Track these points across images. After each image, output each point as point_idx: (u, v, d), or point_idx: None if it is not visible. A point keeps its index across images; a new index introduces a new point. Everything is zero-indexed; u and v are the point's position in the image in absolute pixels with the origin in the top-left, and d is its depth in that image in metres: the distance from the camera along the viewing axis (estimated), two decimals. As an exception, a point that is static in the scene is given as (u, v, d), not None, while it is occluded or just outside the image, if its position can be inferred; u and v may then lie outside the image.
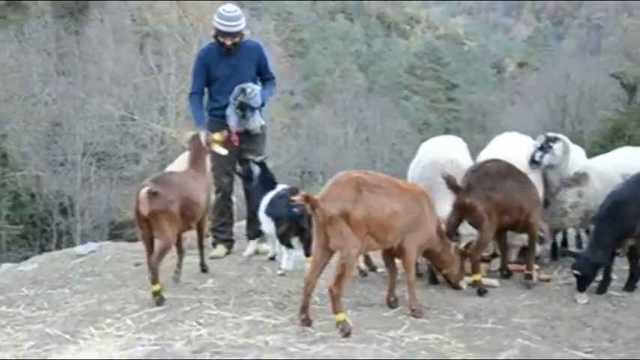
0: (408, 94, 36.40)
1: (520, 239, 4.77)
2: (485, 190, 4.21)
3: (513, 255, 4.86)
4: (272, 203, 4.64)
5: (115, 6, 30.00)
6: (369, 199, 3.53)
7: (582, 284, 4.19)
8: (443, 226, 4.20)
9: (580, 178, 4.85)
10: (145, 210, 3.93)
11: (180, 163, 5.14)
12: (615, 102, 27.80)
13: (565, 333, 3.61)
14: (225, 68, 5.14)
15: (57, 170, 20.30)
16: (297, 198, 3.49)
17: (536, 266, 4.62)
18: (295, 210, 4.40)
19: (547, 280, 4.60)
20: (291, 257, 4.60)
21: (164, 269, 4.68)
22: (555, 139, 4.93)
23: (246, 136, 5.17)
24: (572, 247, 5.57)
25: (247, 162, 4.90)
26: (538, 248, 4.72)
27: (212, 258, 5.07)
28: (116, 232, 18.25)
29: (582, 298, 4.16)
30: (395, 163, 26.12)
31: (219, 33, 5.06)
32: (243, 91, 4.95)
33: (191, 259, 4.79)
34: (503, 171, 4.36)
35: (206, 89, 5.34)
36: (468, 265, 4.35)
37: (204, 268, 4.69)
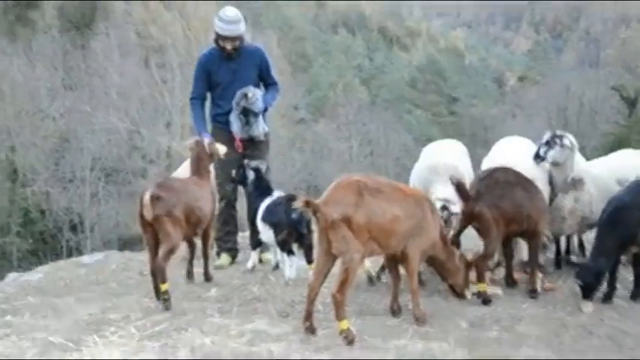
0: (410, 107, 36.55)
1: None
2: (494, 198, 4.18)
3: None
4: (269, 210, 4.59)
5: (121, 20, 30.36)
6: (370, 204, 3.50)
7: (587, 293, 4.16)
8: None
9: (576, 184, 4.83)
10: (148, 214, 3.96)
11: (184, 170, 5.14)
12: (616, 115, 27.90)
13: (570, 342, 3.59)
14: (227, 73, 5.11)
15: (66, 186, 20.51)
16: (297, 203, 3.45)
17: (540, 275, 4.59)
18: (294, 216, 4.37)
19: (552, 290, 4.57)
20: (294, 264, 4.57)
21: (175, 281, 4.71)
22: (562, 137, 4.89)
23: (250, 142, 5.14)
24: (574, 254, 5.55)
25: (242, 167, 4.86)
26: (540, 256, 4.70)
27: (216, 268, 5.05)
28: (125, 248, 18.30)
29: (588, 306, 4.13)
30: (400, 176, 26.11)
31: (219, 37, 5.03)
32: (245, 95, 4.91)
33: (195, 269, 4.78)
34: (513, 180, 4.34)
35: (208, 95, 5.31)
36: (472, 274, 4.32)
37: (207, 277, 4.69)
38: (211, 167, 4.94)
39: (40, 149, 20.95)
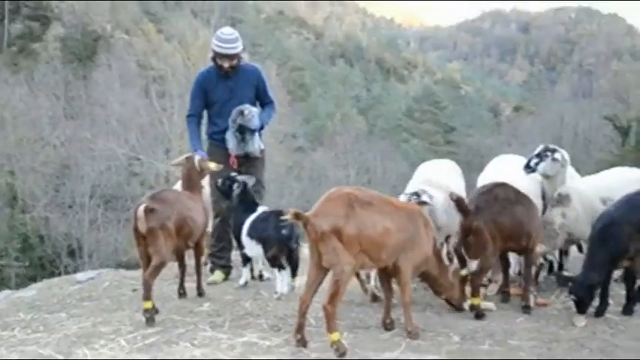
0: (407, 136, 36.86)
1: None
2: (493, 214, 4.18)
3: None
4: (255, 226, 4.59)
5: (122, 51, 30.83)
6: (361, 216, 3.48)
7: (581, 308, 4.17)
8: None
9: (562, 199, 4.84)
10: (142, 227, 3.97)
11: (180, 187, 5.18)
12: (609, 144, 28.22)
13: (562, 355, 3.57)
14: (224, 91, 5.15)
15: (65, 212, 20.57)
16: (287, 217, 3.43)
17: (533, 290, 4.59)
18: (284, 231, 4.38)
19: (545, 305, 4.56)
20: (285, 279, 4.55)
21: (167, 296, 4.69)
22: (554, 150, 4.95)
23: (246, 159, 5.16)
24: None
25: (229, 178, 4.84)
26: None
27: (209, 284, 5.04)
28: (123, 273, 18.27)
29: (580, 320, 4.13)
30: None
31: (217, 55, 5.07)
32: (241, 113, 4.94)
33: (187, 285, 4.78)
34: (512, 197, 4.35)
35: (205, 113, 5.34)
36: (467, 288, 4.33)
37: (200, 292, 4.68)
38: (205, 183, 4.97)
39: (40, 176, 21.07)
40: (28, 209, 20.10)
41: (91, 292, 5.10)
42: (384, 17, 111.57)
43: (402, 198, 4.70)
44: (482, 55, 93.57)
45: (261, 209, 4.75)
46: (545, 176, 4.97)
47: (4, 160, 20.90)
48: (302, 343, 3.58)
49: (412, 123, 40.01)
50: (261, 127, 5.16)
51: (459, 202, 4.13)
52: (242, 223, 4.68)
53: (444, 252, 4.90)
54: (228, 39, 5.04)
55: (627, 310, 4.32)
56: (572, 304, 4.39)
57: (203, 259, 5.28)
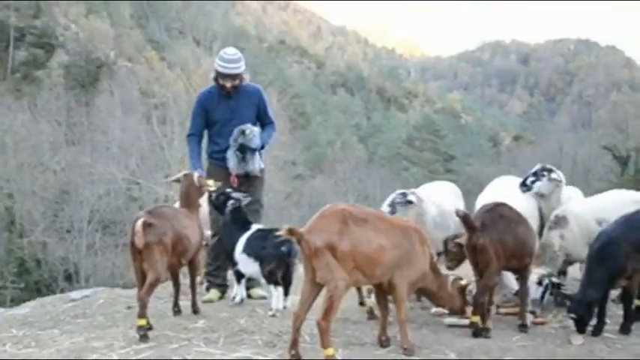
0: (407, 164, 37.05)
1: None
2: (499, 232, 4.21)
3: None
4: (251, 243, 4.58)
5: (125, 79, 31.21)
6: (355, 232, 3.47)
7: (580, 326, 4.18)
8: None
9: (560, 221, 4.87)
10: (140, 242, 3.97)
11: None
12: (608, 173, 28.34)
13: (559, 372, 3.59)
14: (225, 111, 5.15)
15: (63, 237, 20.59)
16: (281, 232, 3.41)
17: (533, 310, 4.61)
18: (283, 248, 4.40)
19: (542, 324, 4.54)
20: (281, 295, 4.56)
21: (162, 313, 4.69)
22: (551, 170, 5.07)
23: (246, 178, 5.15)
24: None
25: (224, 194, 4.82)
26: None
27: (205, 302, 5.03)
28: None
29: (577, 339, 4.12)
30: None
31: (219, 75, 5.08)
32: (243, 132, 4.95)
33: (182, 303, 4.76)
34: (514, 216, 4.40)
35: (205, 133, 5.33)
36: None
37: (195, 309, 4.67)
38: (203, 202, 4.98)
39: (39, 200, 21.14)
40: (26, 233, 20.16)
41: (85, 310, 5.05)
42: (385, 47, 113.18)
43: (389, 199, 4.82)
44: (483, 85, 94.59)
45: (255, 227, 4.77)
46: (541, 195, 5.05)
47: (4, 183, 21.02)
48: (296, 358, 3.56)
49: (412, 151, 40.27)
50: (262, 147, 5.20)
51: (465, 219, 4.15)
52: (236, 241, 4.69)
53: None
54: (231, 59, 5.06)
55: (625, 329, 4.31)
56: (569, 322, 4.40)
57: (199, 278, 5.30)
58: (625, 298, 4.38)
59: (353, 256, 3.47)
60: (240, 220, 4.78)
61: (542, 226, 5.21)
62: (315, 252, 3.42)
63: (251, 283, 5.18)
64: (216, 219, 5.13)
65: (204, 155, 5.51)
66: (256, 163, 5.12)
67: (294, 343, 3.58)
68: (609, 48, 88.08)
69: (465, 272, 4.64)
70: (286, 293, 4.58)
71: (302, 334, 3.83)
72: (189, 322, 4.44)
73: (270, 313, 4.57)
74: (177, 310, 4.66)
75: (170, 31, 53.19)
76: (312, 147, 37.70)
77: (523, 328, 4.36)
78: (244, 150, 5.01)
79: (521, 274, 4.48)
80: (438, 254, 5.11)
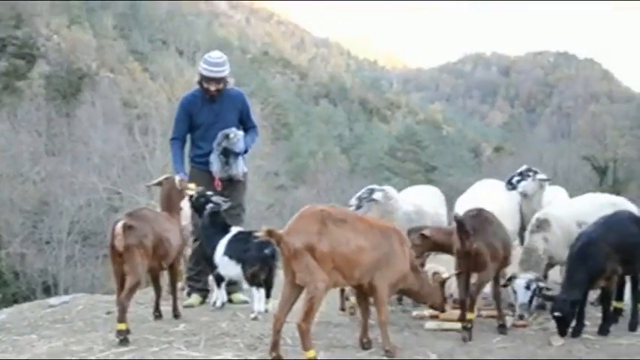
0: (389, 175, 37.18)
1: None
2: (488, 235, 4.31)
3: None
4: (232, 246, 4.60)
5: (107, 89, 30.99)
6: (334, 233, 3.47)
7: (563, 326, 4.23)
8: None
9: (542, 224, 4.92)
10: (120, 244, 3.94)
11: None
12: (587, 183, 28.80)
13: (539, 372, 3.64)
14: (209, 115, 5.17)
15: (42, 249, 20.25)
16: (260, 234, 3.44)
17: (509, 313, 4.67)
18: (267, 250, 4.43)
19: (522, 326, 4.61)
20: (263, 298, 4.56)
21: (143, 318, 4.67)
22: (535, 172, 5.22)
23: (229, 182, 5.17)
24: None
25: (204, 196, 4.83)
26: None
27: (186, 307, 5.02)
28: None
29: (557, 340, 4.19)
30: (379, 242, 26.38)
31: (203, 78, 5.10)
32: (227, 136, 4.97)
33: (162, 308, 4.76)
34: (497, 220, 4.50)
35: (189, 137, 5.34)
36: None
37: (176, 314, 4.67)
38: (185, 205, 4.97)
39: (17, 211, 20.78)
40: (4, 245, 19.77)
41: (64, 315, 5.00)
42: (367, 59, 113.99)
43: (358, 193, 5.01)
44: (464, 96, 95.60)
45: (235, 229, 4.78)
46: (524, 195, 5.18)
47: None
48: (277, 360, 3.56)
49: (394, 162, 40.49)
50: (245, 151, 5.22)
51: (461, 223, 4.21)
52: (215, 244, 4.69)
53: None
54: (215, 62, 5.08)
55: (603, 331, 4.38)
56: (549, 325, 4.50)
57: (181, 284, 5.29)
58: (603, 300, 4.46)
59: (332, 257, 3.48)
60: (218, 224, 4.79)
61: (522, 228, 5.32)
62: (295, 253, 3.43)
63: (232, 287, 5.18)
64: (198, 224, 5.12)
65: (186, 159, 5.50)
66: (239, 167, 5.14)
67: (275, 345, 3.59)
68: (588, 61, 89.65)
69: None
70: (268, 296, 4.60)
71: (284, 337, 3.86)
72: (170, 326, 4.44)
73: (252, 315, 4.57)
74: (158, 314, 4.65)
75: (153, 42, 53.04)
76: (294, 157, 37.73)
77: (502, 329, 4.42)
78: (228, 154, 5.03)
79: (497, 276, 4.54)
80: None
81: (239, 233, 4.73)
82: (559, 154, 35.30)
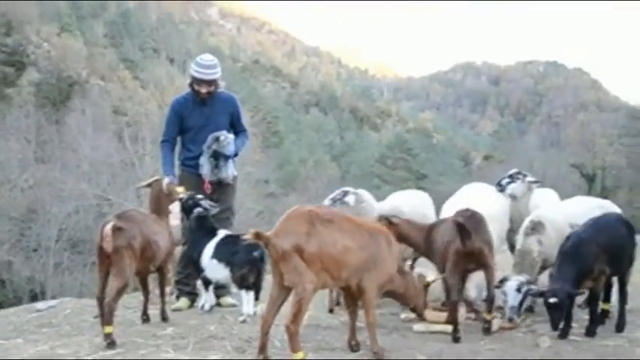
0: (379, 183, 37.31)
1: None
2: (487, 234, 4.38)
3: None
4: (220, 249, 4.58)
5: (97, 97, 30.90)
6: (322, 233, 3.44)
7: (557, 315, 4.21)
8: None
9: (537, 227, 4.90)
10: (108, 246, 3.90)
11: None
12: (576, 191, 29.04)
13: (528, 373, 3.65)
14: (199, 118, 5.14)
15: (30, 256, 20.08)
16: (247, 236, 3.40)
17: (498, 315, 4.68)
18: (255, 253, 4.42)
19: (510, 329, 4.62)
20: (251, 300, 4.53)
21: (130, 321, 4.65)
22: (525, 175, 5.33)
23: (218, 185, 5.13)
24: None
25: (194, 199, 4.81)
26: None
27: (174, 310, 4.99)
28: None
29: (545, 341, 4.20)
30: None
31: (194, 80, 5.08)
32: (217, 139, 4.94)
33: (150, 312, 4.72)
34: (485, 219, 4.54)
35: (179, 139, 5.31)
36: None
37: (164, 317, 4.63)
38: (174, 208, 4.94)
39: (5, 219, 20.59)
40: (-10, 253, 19.59)
41: (51, 319, 4.93)
42: (358, 68, 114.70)
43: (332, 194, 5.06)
44: (454, 105, 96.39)
45: (223, 232, 4.76)
46: (513, 197, 5.24)
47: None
48: (265, 362, 3.53)
49: (385, 170, 40.63)
50: (235, 154, 5.17)
51: (461, 225, 4.24)
52: (202, 248, 4.67)
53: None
54: (207, 64, 5.07)
55: (590, 332, 4.40)
56: (537, 327, 4.53)
57: (169, 288, 5.27)
58: (591, 301, 4.49)
59: (320, 258, 3.45)
60: (205, 227, 4.78)
61: (511, 230, 5.37)
62: (283, 255, 3.40)
63: (221, 291, 5.16)
64: (187, 226, 5.09)
65: (176, 162, 5.46)
66: (229, 170, 5.13)
67: (263, 348, 3.57)
68: (577, 70, 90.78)
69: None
70: (256, 299, 4.58)
71: (272, 340, 3.83)
72: (157, 329, 4.40)
73: (241, 318, 4.56)
74: (145, 318, 4.62)
75: (144, 50, 53.07)
76: (285, 165, 37.75)
77: (487, 331, 4.43)
78: (218, 157, 5.02)
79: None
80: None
81: (227, 236, 4.71)
82: (548, 162, 35.56)
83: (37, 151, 25.13)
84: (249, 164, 24.31)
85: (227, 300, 5.19)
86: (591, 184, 29.20)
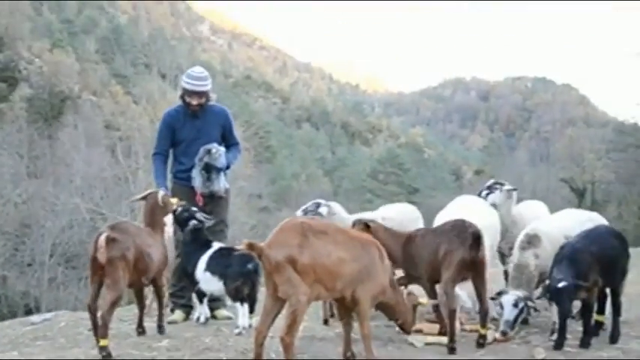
0: (371, 197, 37.45)
1: None
2: (484, 245, 4.41)
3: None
4: (214, 261, 4.60)
5: (89, 112, 30.92)
6: (315, 245, 3.46)
7: (566, 302, 4.21)
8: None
9: (532, 240, 4.90)
10: (102, 257, 3.88)
11: None
12: (566, 205, 29.25)
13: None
14: (191, 130, 5.13)
15: (24, 271, 19.95)
16: (241, 247, 3.42)
17: (492, 327, 4.71)
18: (249, 265, 4.47)
19: (505, 340, 4.63)
20: (247, 313, 4.52)
21: (126, 334, 4.67)
22: (503, 184, 5.53)
23: (210, 198, 5.12)
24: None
25: (188, 211, 4.81)
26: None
27: (169, 323, 4.90)
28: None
29: (540, 353, 4.25)
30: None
31: (185, 92, 5.08)
32: (209, 152, 4.94)
33: (146, 324, 4.70)
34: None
35: (171, 152, 5.29)
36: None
37: (161, 330, 4.57)
38: (168, 220, 4.92)
39: (-1, 235, 20.50)
40: (-16, 269, 19.47)
41: (46, 332, 4.90)
42: (349, 83, 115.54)
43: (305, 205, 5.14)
44: (444, 120, 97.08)
45: (217, 245, 4.77)
46: (494, 206, 5.40)
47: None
48: (260, 374, 3.54)
49: (376, 184, 40.78)
50: (227, 167, 5.16)
51: (477, 235, 4.28)
52: (196, 260, 4.68)
53: None
54: (198, 76, 5.09)
55: (584, 344, 4.43)
56: (532, 338, 4.60)
57: (164, 300, 5.26)
58: (585, 313, 4.50)
59: (314, 269, 3.46)
60: (200, 240, 4.78)
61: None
62: (277, 266, 3.42)
63: (216, 304, 5.14)
64: (180, 238, 5.07)
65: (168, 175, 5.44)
66: (221, 183, 5.12)
67: (258, 359, 3.56)
68: (565, 86, 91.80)
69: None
70: (251, 311, 4.59)
71: (267, 352, 3.82)
72: (153, 342, 4.37)
73: (237, 331, 4.53)
74: (141, 330, 4.59)
75: (136, 65, 53.25)
76: (277, 180, 37.83)
77: (480, 345, 4.44)
78: (210, 169, 5.00)
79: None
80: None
81: (221, 249, 4.72)
82: (538, 176, 35.96)
83: (30, 166, 25.05)
84: (241, 179, 24.38)
85: (222, 312, 5.16)
86: (581, 198, 29.46)
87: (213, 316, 5.09)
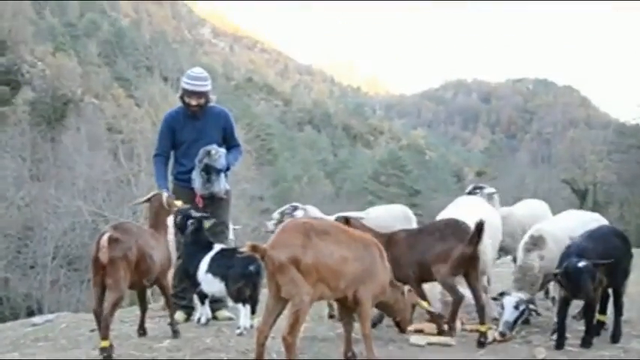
0: (373, 199, 37.39)
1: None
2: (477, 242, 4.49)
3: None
4: (216, 263, 4.61)
5: (92, 115, 31.02)
6: (318, 245, 3.49)
7: (586, 281, 4.19)
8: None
9: (537, 242, 4.87)
10: (104, 257, 3.88)
11: None
12: (568, 206, 29.22)
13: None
14: (191, 132, 5.14)
15: (26, 273, 19.98)
16: (244, 249, 3.43)
17: (493, 327, 4.74)
18: (251, 267, 4.43)
19: (505, 341, 4.63)
20: (248, 314, 4.55)
21: (127, 335, 4.71)
22: (482, 187, 5.84)
23: (211, 200, 5.11)
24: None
25: (186, 215, 4.79)
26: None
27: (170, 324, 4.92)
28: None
29: (541, 352, 4.27)
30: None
31: (185, 93, 5.08)
32: (209, 153, 4.93)
33: (147, 325, 4.73)
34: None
35: (172, 153, 5.30)
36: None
37: (176, 335, 4.51)
38: (170, 222, 4.93)
39: (1, 236, 20.55)
40: (-14, 271, 19.54)
41: (47, 334, 4.90)
42: (350, 86, 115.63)
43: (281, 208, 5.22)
44: (446, 122, 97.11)
45: (218, 246, 4.79)
46: None
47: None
48: (262, 374, 3.56)
49: (378, 186, 40.77)
50: (228, 168, 5.15)
51: (481, 228, 4.36)
52: (198, 262, 4.70)
53: None
54: (197, 77, 5.09)
55: (586, 343, 4.44)
56: (532, 338, 4.62)
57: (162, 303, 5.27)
58: (587, 312, 4.51)
59: (317, 269, 3.49)
60: (201, 241, 4.78)
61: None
62: (280, 267, 3.45)
63: (217, 305, 5.15)
64: (181, 240, 5.06)
65: (169, 177, 5.44)
66: (221, 185, 5.10)
67: (259, 359, 3.59)
68: (566, 87, 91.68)
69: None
70: (253, 312, 4.61)
71: (269, 352, 3.85)
72: (154, 342, 4.38)
73: (238, 331, 4.55)
74: (142, 332, 4.60)
75: (138, 68, 53.38)
76: (279, 182, 37.86)
77: (480, 345, 4.48)
78: (209, 171, 4.99)
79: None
80: None
81: (222, 250, 4.74)
82: (540, 178, 35.98)
83: (33, 169, 25.12)
84: (243, 181, 24.42)
85: (224, 313, 5.17)
86: (582, 200, 29.43)
87: (215, 317, 5.10)
